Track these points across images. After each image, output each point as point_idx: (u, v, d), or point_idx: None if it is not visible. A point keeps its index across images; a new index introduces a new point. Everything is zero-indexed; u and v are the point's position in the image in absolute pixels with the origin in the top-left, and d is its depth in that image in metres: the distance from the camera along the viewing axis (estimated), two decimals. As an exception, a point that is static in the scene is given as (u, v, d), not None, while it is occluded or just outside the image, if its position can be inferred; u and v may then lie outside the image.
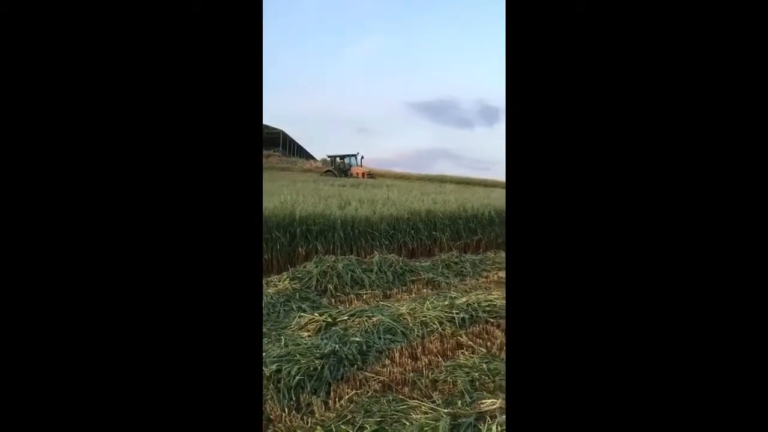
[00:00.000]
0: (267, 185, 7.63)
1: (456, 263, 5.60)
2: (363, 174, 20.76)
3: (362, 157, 22.36)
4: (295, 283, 4.37)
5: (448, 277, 5.14)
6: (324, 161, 24.18)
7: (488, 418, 2.03)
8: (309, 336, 3.10)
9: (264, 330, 3.28)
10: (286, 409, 2.22)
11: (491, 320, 3.56)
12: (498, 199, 8.73)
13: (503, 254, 6.18)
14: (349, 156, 22.29)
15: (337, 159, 22.35)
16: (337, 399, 2.35)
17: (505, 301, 3.88)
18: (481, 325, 3.47)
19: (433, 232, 6.63)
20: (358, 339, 3.00)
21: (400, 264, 5.13)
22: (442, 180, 21.25)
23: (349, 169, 21.49)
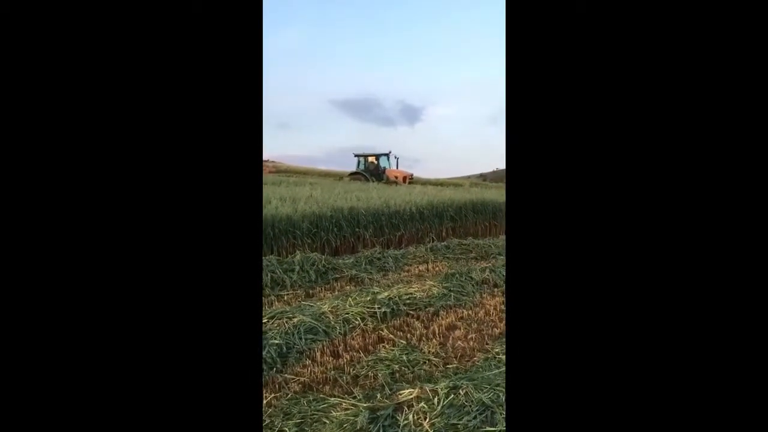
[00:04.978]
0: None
1: (379, 259, 5.67)
2: (404, 178, 16.57)
3: (396, 158, 18.05)
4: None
5: (371, 272, 5.18)
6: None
7: (406, 408, 2.09)
8: (225, 342, 2.96)
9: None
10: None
11: (411, 312, 3.66)
12: (418, 195, 8.97)
13: (423, 248, 6.37)
14: (381, 155, 17.95)
15: (369, 159, 17.94)
16: (254, 405, 2.27)
17: (424, 294, 4.00)
18: (401, 318, 3.55)
19: (357, 229, 6.65)
20: (277, 341, 2.93)
21: (323, 262, 5.08)
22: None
23: (383, 172, 17.31)
